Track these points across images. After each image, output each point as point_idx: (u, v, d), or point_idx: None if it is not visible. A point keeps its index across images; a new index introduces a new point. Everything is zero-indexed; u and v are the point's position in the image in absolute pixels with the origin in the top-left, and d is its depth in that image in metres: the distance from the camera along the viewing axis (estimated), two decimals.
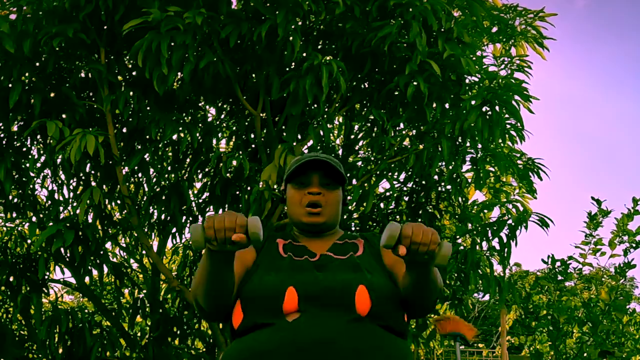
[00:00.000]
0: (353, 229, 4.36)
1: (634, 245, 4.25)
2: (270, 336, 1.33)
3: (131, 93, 3.49)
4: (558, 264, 4.42)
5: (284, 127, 3.87)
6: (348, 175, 3.82)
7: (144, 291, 4.43)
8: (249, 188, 3.76)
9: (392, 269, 1.53)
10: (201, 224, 1.27)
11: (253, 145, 4.05)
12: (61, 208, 4.06)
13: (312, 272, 1.44)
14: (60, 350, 3.71)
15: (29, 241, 4.11)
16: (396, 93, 3.74)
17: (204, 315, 1.50)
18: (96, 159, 3.42)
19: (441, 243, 1.27)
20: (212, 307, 1.42)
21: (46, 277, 3.87)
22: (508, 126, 3.64)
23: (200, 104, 4.23)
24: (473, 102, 3.46)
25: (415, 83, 3.36)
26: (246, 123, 4.03)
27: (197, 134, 3.79)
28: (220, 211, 4.14)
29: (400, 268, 1.48)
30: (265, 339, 1.33)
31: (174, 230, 4.20)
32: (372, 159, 4.02)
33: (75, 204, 4.03)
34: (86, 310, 4.26)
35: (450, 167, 3.75)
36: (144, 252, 4.34)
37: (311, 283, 1.40)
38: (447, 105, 3.64)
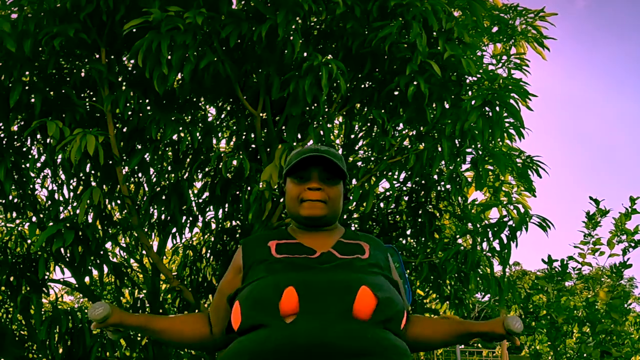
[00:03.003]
0: (353, 228, 4.36)
1: (632, 244, 4.25)
2: (268, 337, 1.31)
3: (131, 93, 3.48)
4: (556, 264, 4.42)
5: (284, 127, 3.87)
6: (348, 173, 3.81)
7: (144, 291, 4.43)
8: (249, 188, 3.76)
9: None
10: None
11: (253, 145, 4.05)
12: (61, 208, 4.06)
13: (312, 271, 1.42)
14: (60, 350, 3.70)
15: (29, 241, 4.11)
16: (396, 93, 3.74)
17: (212, 350, 1.69)
18: (96, 159, 3.42)
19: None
20: (189, 349, 1.58)
21: (46, 277, 3.87)
22: (507, 125, 3.64)
23: (200, 104, 4.23)
24: (473, 102, 3.46)
25: (415, 83, 3.36)
26: (246, 123, 4.03)
27: (197, 134, 3.79)
28: (220, 212, 4.14)
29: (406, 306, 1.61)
30: (263, 340, 1.31)
31: (174, 230, 4.20)
32: (372, 159, 4.02)
33: (75, 204, 4.03)
34: (86, 310, 4.26)
35: (451, 167, 3.75)
36: (144, 252, 4.34)
37: (311, 282, 1.37)
38: (447, 106, 3.64)
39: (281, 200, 1.59)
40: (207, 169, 4.13)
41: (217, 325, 1.59)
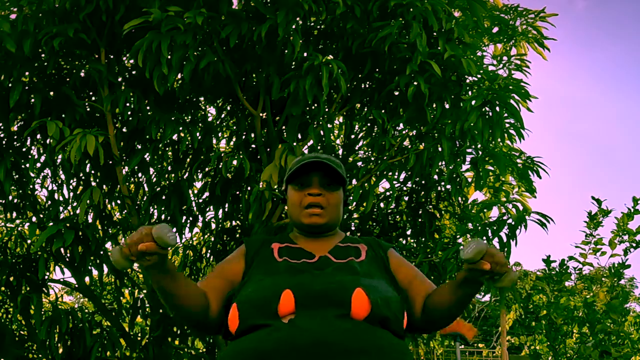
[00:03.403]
0: (353, 228, 4.36)
1: (634, 244, 4.25)
2: (267, 337, 1.32)
3: (131, 93, 3.49)
4: (554, 264, 4.42)
5: (284, 127, 3.87)
6: (348, 175, 3.82)
7: (144, 291, 4.43)
8: (249, 188, 3.76)
9: (406, 284, 1.56)
10: (119, 245, 1.32)
11: (253, 145, 4.06)
12: (61, 208, 4.06)
13: (310, 274, 1.44)
14: (60, 350, 3.70)
15: (29, 241, 4.11)
16: (396, 93, 3.74)
17: (198, 332, 1.55)
18: (96, 159, 3.42)
19: (510, 268, 1.38)
20: (185, 320, 1.46)
21: (46, 277, 3.87)
22: (507, 125, 3.64)
23: (200, 104, 4.23)
24: (473, 103, 3.46)
25: (415, 83, 3.36)
26: (246, 123, 4.03)
27: (197, 134, 3.79)
28: (220, 212, 4.14)
29: (418, 286, 1.55)
30: (262, 339, 1.33)
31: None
32: (372, 159, 4.02)
33: (75, 204, 4.03)
34: (86, 310, 4.26)
35: (451, 168, 3.75)
36: None
37: (308, 285, 1.40)
38: (447, 106, 3.64)
39: (284, 207, 1.60)
40: (207, 169, 4.13)
41: (217, 305, 1.50)
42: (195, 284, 1.47)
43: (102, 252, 3.76)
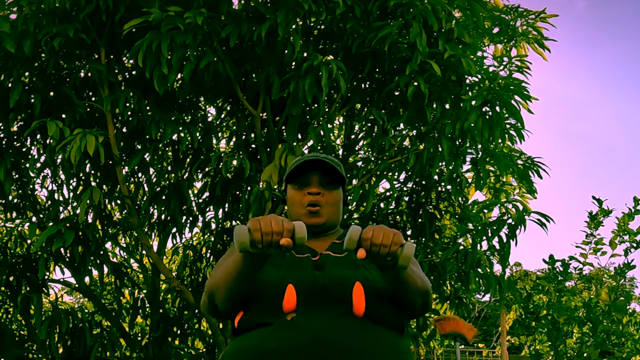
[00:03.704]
0: None
1: (634, 244, 4.24)
2: (269, 335, 1.33)
3: (131, 93, 3.49)
4: (558, 264, 4.41)
5: (284, 127, 3.87)
6: (348, 175, 3.82)
7: (144, 291, 4.43)
8: (249, 188, 3.76)
9: None
10: (246, 226, 1.25)
11: (253, 145, 4.06)
12: (61, 208, 4.06)
13: (311, 270, 1.44)
14: (60, 350, 3.71)
15: (29, 241, 4.11)
16: (396, 93, 3.74)
17: (214, 313, 1.50)
18: (96, 159, 3.42)
19: (403, 244, 1.25)
20: (229, 307, 1.42)
21: (46, 277, 3.87)
22: (508, 126, 3.64)
23: (200, 104, 4.23)
24: (473, 103, 3.46)
25: (415, 83, 3.35)
26: (246, 123, 4.03)
27: (197, 134, 3.79)
28: (220, 212, 4.14)
29: None
30: (263, 337, 1.33)
31: (174, 230, 4.20)
32: (372, 159, 4.02)
33: (75, 204, 4.03)
34: (86, 310, 4.26)
35: (451, 168, 3.75)
36: (144, 252, 4.34)
37: (309, 281, 1.40)
38: (447, 106, 3.64)
39: (284, 207, 1.57)
40: (207, 169, 4.13)
41: None
42: None
43: (102, 252, 3.76)
